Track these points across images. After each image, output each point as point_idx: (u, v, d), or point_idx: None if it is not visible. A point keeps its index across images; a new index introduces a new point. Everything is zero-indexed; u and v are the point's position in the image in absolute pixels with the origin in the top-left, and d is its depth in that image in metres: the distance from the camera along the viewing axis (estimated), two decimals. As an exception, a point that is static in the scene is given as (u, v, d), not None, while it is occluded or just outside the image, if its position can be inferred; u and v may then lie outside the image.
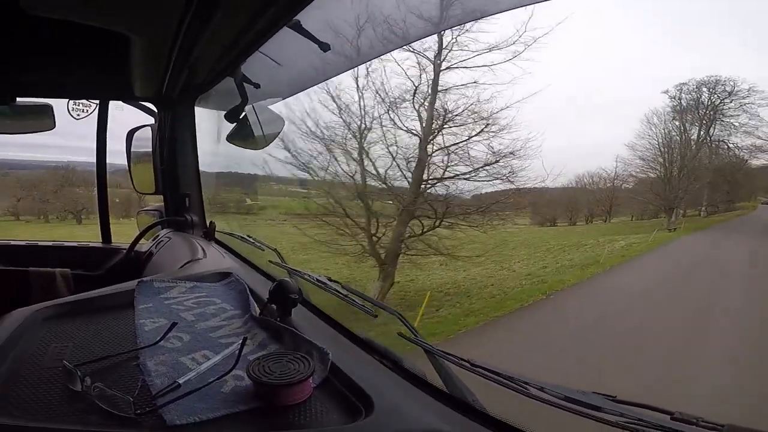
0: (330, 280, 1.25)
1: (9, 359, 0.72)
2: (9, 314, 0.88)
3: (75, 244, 2.16)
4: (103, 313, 0.97)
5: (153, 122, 2.19)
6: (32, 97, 1.94)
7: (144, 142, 2.19)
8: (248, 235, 1.92)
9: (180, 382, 0.67)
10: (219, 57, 1.67)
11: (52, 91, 1.96)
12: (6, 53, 1.75)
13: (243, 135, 2.03)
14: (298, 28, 1.38)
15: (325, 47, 1.49)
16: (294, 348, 0.81)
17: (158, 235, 2.05)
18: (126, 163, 2.19)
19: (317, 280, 1.25)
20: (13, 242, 2.10)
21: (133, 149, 2.17)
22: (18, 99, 1.90)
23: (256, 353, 0.81)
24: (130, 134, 2.19)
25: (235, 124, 2.01)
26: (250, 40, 1.47)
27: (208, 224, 2.11)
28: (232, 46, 1.54)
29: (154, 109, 2.19)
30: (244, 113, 1.97)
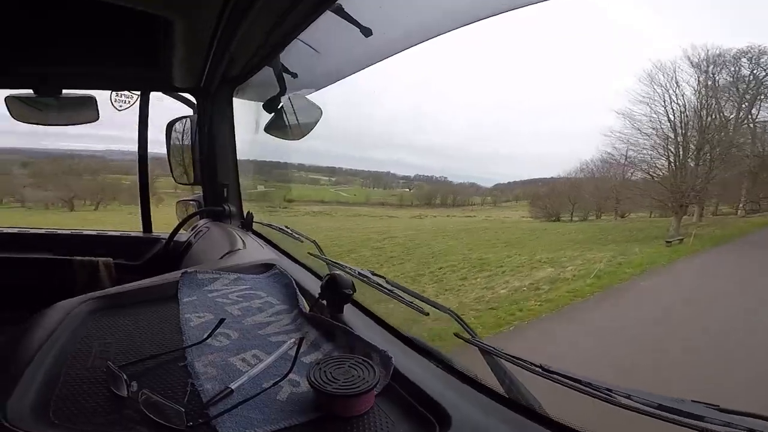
0: (373, 274, 1.16)
1: (52, 357, 0.66)
2: (53, 307, 0.82)
3: (117, 233, 2.14)
4: (147, 306, 0.90)
5: (191, 113, 2.15)
6: (77, 89, 1.91)
7: (183, 133, 2.15)
8: (286, 226, 1.85)
9: (232, 387, 0.60)
10: (259, 45, 1.60)
11: (96, 83, 1.93)
12: (53, 46, 1.72)
13: (280, 125, 1.96)
14: (340, 12, 1.29)
15: (366, 32, 1.39)
16: (350, 349, 0.73)
17: (197, 225, 2.01)
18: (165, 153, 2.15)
19: (359, 273, 1.15)
20: (59, 231, 2.10)
21: (172, 140, 2.13)
22: (63, 91, 1.88)
23: (310, 354, 0.73)
24: (170, 125, 2.15)
25: (272, 114, 1.95)
26: (291, 25, 1.39)
27: (245, 214, 2.06)
28: (272, 33, 1.47)
29: (193, 100, 2.14)
30: (281, 103, 1.91)
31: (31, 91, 1.84)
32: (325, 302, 0.90)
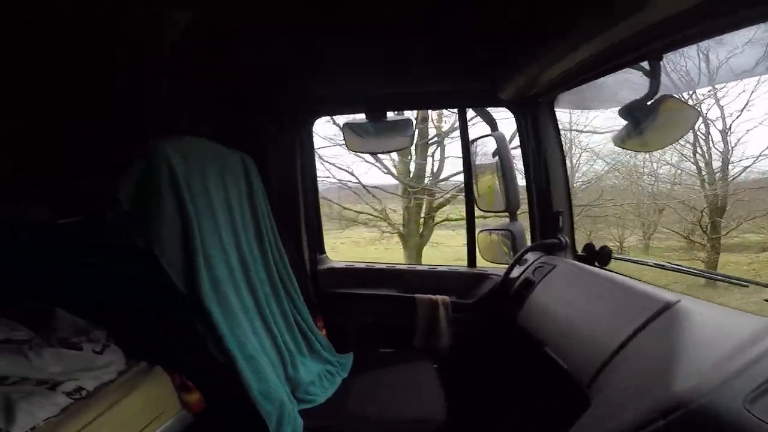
0: None
1: None
2: None
3: (446, 268, 1.89)
4: None
5: (491, 131, 1.80)
6: (396, 110, 1.70)
7: (484, 157, 1.82)
8: (668, 262, 1.38)
9: None
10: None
11: (416, 102, 1.69)
12: (371, 65, 1.50)
13: (636, 134, 1.49)
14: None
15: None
16: None
17: (527, 260, 1.63)
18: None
19: None
20: (397, 266, 1.93)
21: (477, 162, 1.81)
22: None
23: None
24: (471, 144, 1.83)
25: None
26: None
27: (574, 244, 1.64)
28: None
29: (494, 115, 1.80)
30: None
31: (362, 116, 1.67)
32: None
